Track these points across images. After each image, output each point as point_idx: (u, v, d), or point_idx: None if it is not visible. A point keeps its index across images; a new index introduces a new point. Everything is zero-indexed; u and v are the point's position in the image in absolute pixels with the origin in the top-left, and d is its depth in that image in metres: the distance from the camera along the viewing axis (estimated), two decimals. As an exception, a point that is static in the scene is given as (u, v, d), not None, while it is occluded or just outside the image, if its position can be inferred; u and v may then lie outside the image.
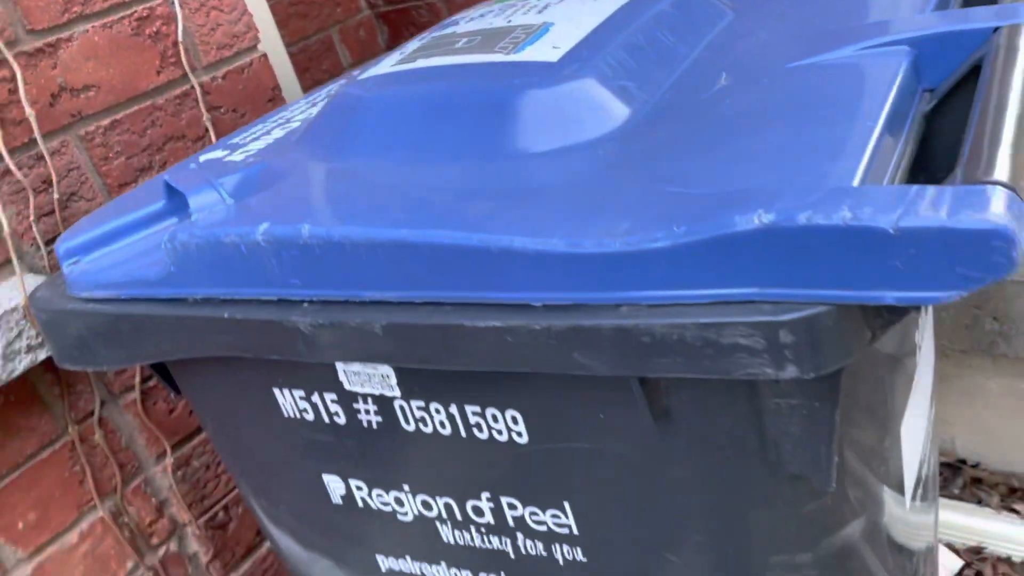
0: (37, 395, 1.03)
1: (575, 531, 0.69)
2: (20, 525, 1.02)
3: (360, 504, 0.80)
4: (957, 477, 1.79)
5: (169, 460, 1.16)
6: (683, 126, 0.65)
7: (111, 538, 1.11)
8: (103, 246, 0.77)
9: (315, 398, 0.74)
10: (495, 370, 0.58)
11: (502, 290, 0.56)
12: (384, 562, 0.83)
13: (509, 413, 0.66)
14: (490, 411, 0.66)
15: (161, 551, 1.17)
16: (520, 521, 0.71)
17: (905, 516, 0.80)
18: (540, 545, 0.72)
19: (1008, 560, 1.62)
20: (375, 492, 0.78)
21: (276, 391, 0.76)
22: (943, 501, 1.73)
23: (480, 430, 0.68)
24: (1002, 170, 0.47)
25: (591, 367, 0.54)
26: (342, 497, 0.81)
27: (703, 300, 0.51)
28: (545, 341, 0.55)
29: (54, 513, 1.05)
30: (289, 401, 0.76)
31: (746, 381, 0.56)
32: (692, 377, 0.53)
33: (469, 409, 0.67)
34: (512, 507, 0.71)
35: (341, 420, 0.74)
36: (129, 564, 1.13)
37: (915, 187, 0.47)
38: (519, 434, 0.66)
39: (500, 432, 0.67)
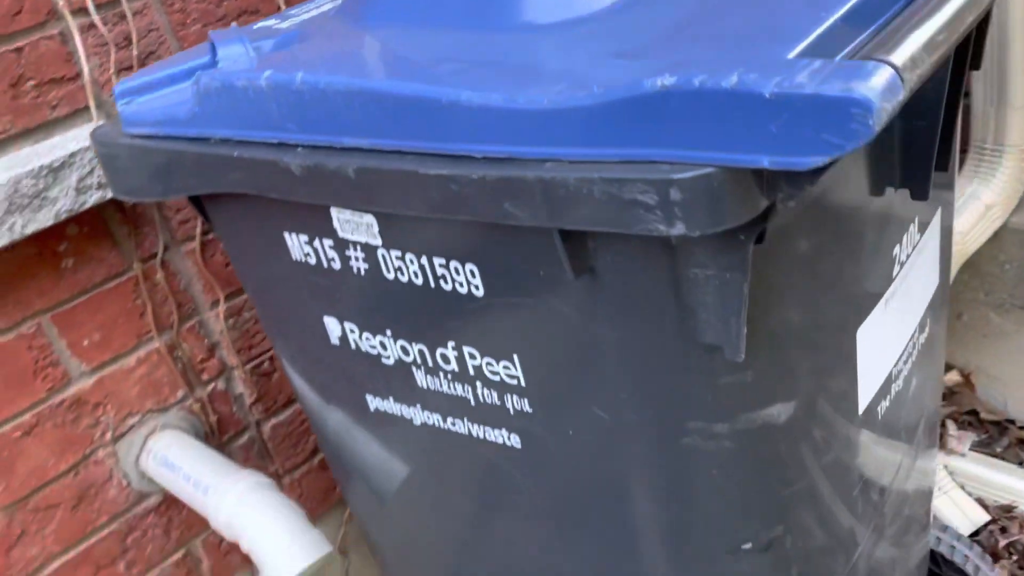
0: (108, 231, 1.16)
1: (522, 383, 0.76)
2: (85, 342, 1.17)
3: (353, 346, 0.89)
4: (1003, 436, 1.75)
5: (222, 307, 1.29)
6: (673, 6, 0.68)
7: (165, 367, 1.25)
8: (152, 90, 0.87)
9: (316, 243, 0.83)
10: (446, 217, 0.65)
11: (450, 141, 0.62)
12: (372, 402, 0.92)
13: (468, 267, 0.72)
14: (453, 264, 0.73)
15: (209, 387, 1.31)
16: (478, 370, 0.79)
17: (854, 427, 0.82)
18: (495, 394, 0.79)
19: (1035, 520, 1.59)
20: (364, 335, 0.86)
21: (286, 234, 0.85)
22: (981, 457, 1.71)
23: (445, 281, 0.75)
24: (900, 54, 0.49)
25: (519, 217, 0.60)
26: (339, 339, 0.89)
27: (613, 158, 0.55)
28: (481, 190, 0.61)
29: (116, 337, 1.19)
30: (296, 245, 0.85)
31: (665, 249, 0.61)
32: (605, 232, 0.58)
33: (436, 261, 0.74)
34: (472, 356, 0.78)
35: (337, 266, 0.83)
36: (180, 393, 1.28)
37: (811, 60, 0.49)
38: (476, 287, 0.73)
39: (461, 284, 0.74)
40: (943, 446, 1.75)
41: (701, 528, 0.76)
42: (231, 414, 1.35)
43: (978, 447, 1.74)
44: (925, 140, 0.75)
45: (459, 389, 0.82)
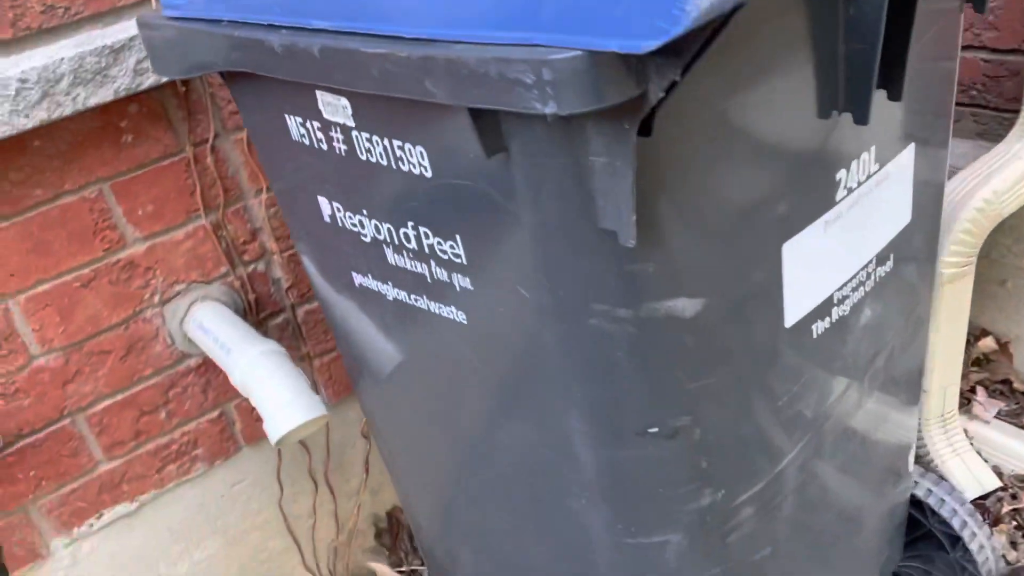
0: (165, 114, 1.30)
1: (464, 261, 0.84)
2: (140, 212, 1.32)
3: (339, 224, 0.99)
4: (1032, 408, 1.72)
5: (264, 196, 1.42)
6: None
7: (210, 244, 1.39)
8: (187, -21, 0.98)
9: (308, 124, 0.93)
10: (387, 94, 0.73)
11: (387, 23, 0.70)
12: (356, 278, 1.02)
13: (419, 148, 0.80)
14: (407, 145, 0.81)
15: (250, 268, 1.45)
16: (432, 249, 0.87)
17: (779, 340, 0.87)
18: (444, 272, 0.88)
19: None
20: (347, 214, 0.96)
21: (286, 116, 0.95)
22: (1005, 426, 1.69)
23: (403, 163, 0.83)
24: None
25: (436, 95, 0.68)
26: (329, 217, 1.00)
27: (505, 41, 0.62)
28: (408, 68, 0.69)
29: (167, 211, 1.34)
30: (294, 126, 0.95)
31: (567, 135, 0.68)
32: (515, 115, 0.65)
33: (395, 143, 0.82)
34: (426, 236, 0.87)
35: (324, 147, 0.92)
36: (222, 269, 1.42)
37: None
38: (426, 168, 0.81)
39: (415, 166, 0.82)
40: (968, 411, 1.74)
41: (612, 408, 0.83)
42: (269, 295, 1.49)
43: (1006, 416, 1.71)
44: (864, 62, 0.78)
45: (418, 267, 0.91)
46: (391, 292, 0.98)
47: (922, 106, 0.96)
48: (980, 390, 1.75)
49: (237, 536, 1.60)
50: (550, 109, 0.60)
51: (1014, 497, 1.60)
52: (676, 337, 0.79)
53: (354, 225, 0.97)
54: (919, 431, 1.67)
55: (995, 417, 1.71)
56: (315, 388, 1.58)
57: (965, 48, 1.68)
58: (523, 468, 0.98)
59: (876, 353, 1.03)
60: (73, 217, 1.27)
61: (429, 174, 0.81)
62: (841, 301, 0.93)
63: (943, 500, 1.41)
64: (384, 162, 0.86)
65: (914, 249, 1.03)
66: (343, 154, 0.90)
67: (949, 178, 1.53)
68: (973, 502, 1.61)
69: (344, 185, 0.94)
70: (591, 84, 0.58)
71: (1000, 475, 1.65)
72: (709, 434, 0.86)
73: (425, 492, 1.27)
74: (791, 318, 0.87)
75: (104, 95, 1.19)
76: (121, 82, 1.19)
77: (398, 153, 0.83)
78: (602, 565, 0.97)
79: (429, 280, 0.91)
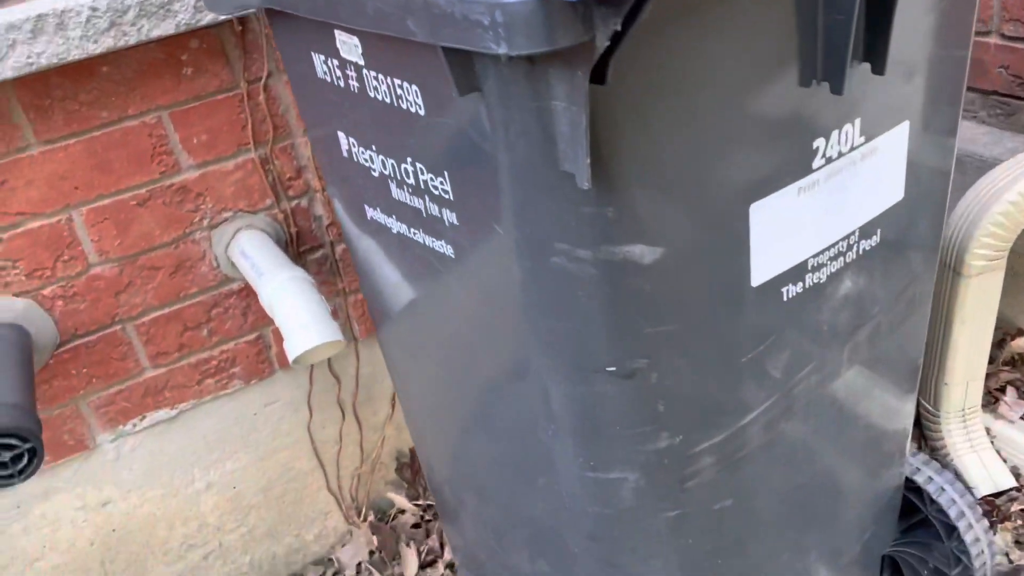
0: (223, 51, 1.40)
1: (451, 197, 0.91)
2: (194, 140, 1.43)
3: (355, 159, 1.06)
4: (1062, 412, 1.69)
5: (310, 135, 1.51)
6: None
7: (258, 177, 1.50)
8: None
9: (329, 62, 1.00)
10: (382, 32, 0.79)
11: (382, -33, 0.77)
12: (368, 211, 1.10)
13: (414, 87, 0.87)
14: (405, 84, 0.88)
15: (294, 203, 1.55)
16: (425, 184, 0.94)
17: (744, 297, 0.90)
18: (436, 207, 0.94)
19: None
20: (360, 149, 1.04)
21: (313, 55, 1.03)
22: (1026, 427, 1.66)
23: (403, 101, 0.90)
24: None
25: (417, 33, 0.74)
26: (346, 152, 1.08)
27: (469, -13, 0.68)
28: (395, 8, 0.75)
29: (219, 142, 1.44)
30: (319, 63, 1.03)
31: (531, 79, 0.73)
32: (486, 56, 0.71)
33: (395, 81, 0.89)
34: (421, 172, 0.94)
35: (342, 84, 1.00)
36: (268, 201, 1.52)
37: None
38: (420, 107, 0.88)
39: (411, 104, 0.89)
40: (994, 410, 1.72)
41: (573, 344, 0.89)
42: (310, 230, 1.59)
43: (1034, 420, 1.69)
44: (841, 33, 0.80)
45: (416, 202, 0.98)
46: (395, 226, 1.05)
47: (923, 86, 0.97)
48: (1011, 390, 1.72)
49: (267, 453, 1.72)
50: (503, 49, 0.66)
51: (1028, 498, 1.58)
52: (634, 282, 0.84)
53: (366, 160, 1.04)
54: (939, 423, 1.66)
55: (1021, 418, 1.68)
56: (348, 323, 1.68)
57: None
58: (504, 402, 1.05)
59: (858, 326, 1.05)
60: (134, 140, 1.38)
61: (423, 112, 0.88)
62: (817, 268, 0.96)
63: (943, 489, 1.42)
64: (388, 100, 0.92)
65: (907, 228, 1.04)
66: (356, 91, 0.98)
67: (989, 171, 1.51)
68: (984, 499, 1.61)
69: (357, 121, 1.01)
70: (539, 28, 0.64)
71: (1018, 476, 1.63)
72: (666, 379, 0.91)
73: (432, 432, 1.35)
74: (758, 278, 0.91)
75: (166, 28, 1.29)
76: (182, 17, 1.29)
77: (398, 91, 0.90)
78: (568, 498, 1.03)
79: (424, 215, 0.98)
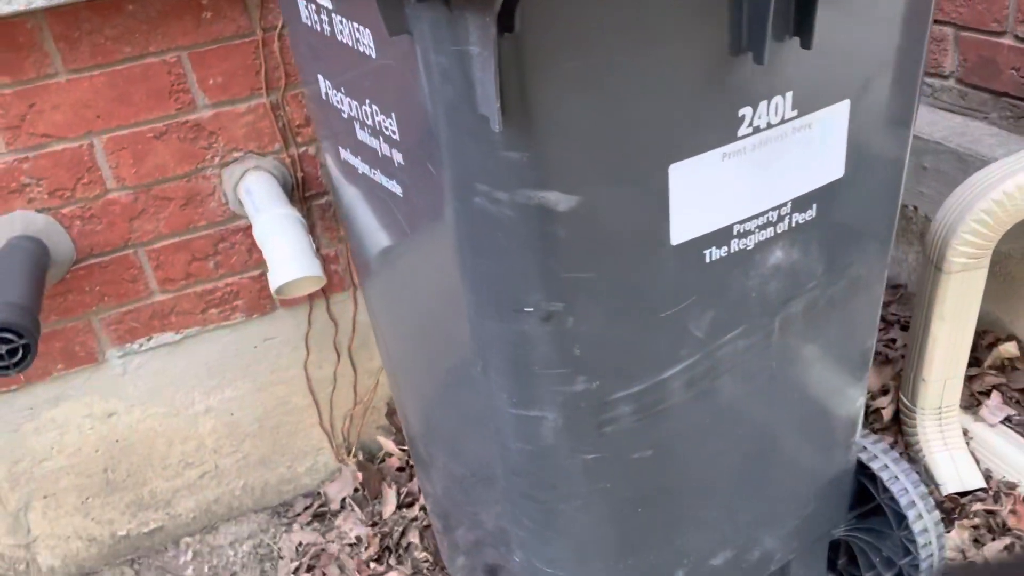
0: (241, -2, 1.49)
1: (398, 137, 0.98)
2: (211, 81, 1.52)
3: (330, 101, 1.14)
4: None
5: (321, 85, 1.59)
6: None
7: (268, 121, 1.59)
8: None
9: (309, 7, 1.08)
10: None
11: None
12: (342, 153, 1.18)
13: (367, 31, 0.94)
14: (361, 27, 0.95)
15: (302, 149, 1.64)
16: (380, 125, 1.01)
17: (662, 254, 0.95)
18: (387, 147, 1.01)
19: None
20: (333, 91, 1.11)
21: (298, 0, 1.11)
22: (1008, 432, 1.67)
23: (360, 44, 0.97)
24: None
25: (353, -23, 0.81)
26: (324, 94, 1.15)
27: (392, -66, 0.74)
28: (337, -47, 0.82)
29: (233, 84, 1.54)
30: (303, 8, 1.10)
31: (451, 25, 0.79)
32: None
33: (354, 24, 0.96)
34: (376, 112, 1.01)
35: (318, 28, 1.07)
36: (276, 145, 1.61)
37: None
38: (372, 49, 0.95)
39: (366, 47, 0.96)
40: (975, 411, 1.72)
41: (495, 283, 0.95)
42: (316, 177, 1.68)
43: (1016, 426, 1.68)
44: (762, 3, 0.84)
45: (373, 142, 1.05)
46: (361, 167, 1.13)
47: (868, 70, 0.99)
48: (995, 394, 1.72)
49: (264, 385, 1.82)
50: (415, -7, 0.72)
51: (995, 500, 1.58)
52: (549, 228, 0.89)
53: (337, 102, 1.11)
54: (914, 419, 1.67)
55: (1001, 422, 1.68)
56: (348, 269, 1.77)
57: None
58: (448, 343, 1.12)
59: (790, 298, 1.08)
60: (154, 76, 1.48)
61: (374, 55, 0.95)
62: (744, 235, 0.99)
63: (896, 477, 1.44)
64: (350, 43, 1.00)
65: (850, 208, 1.07)
66: (328, 35, 1.05)
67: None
68: (949, 496, 1.61)
69: (330, 64, 1.09)
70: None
71: (989, 479, 1.63)
72: (583, 325, 0.96)
73: (404, 384, 1.42)
74: (678, 237, 0.95)
75: (186, -28, 1.38)
76: (201, -37, 1.39)
77: (356, 35, 0.97)
78: (496, 433, 1.09)
79: (379, 155, 1.05)
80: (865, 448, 1.48)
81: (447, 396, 1.23)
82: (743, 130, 0.93)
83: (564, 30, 0.80)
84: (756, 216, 0.99)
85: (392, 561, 1.73)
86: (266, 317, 1.76)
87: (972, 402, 1.73)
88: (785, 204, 1.01)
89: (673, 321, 1.00)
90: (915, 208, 1.87)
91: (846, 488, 1.42)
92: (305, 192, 1.67)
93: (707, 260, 0.99)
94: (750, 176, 0.96)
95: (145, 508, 1.84)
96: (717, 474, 1.18)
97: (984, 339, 1.78)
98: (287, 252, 1.36)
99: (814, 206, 1.04)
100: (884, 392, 1.79)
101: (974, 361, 1.78)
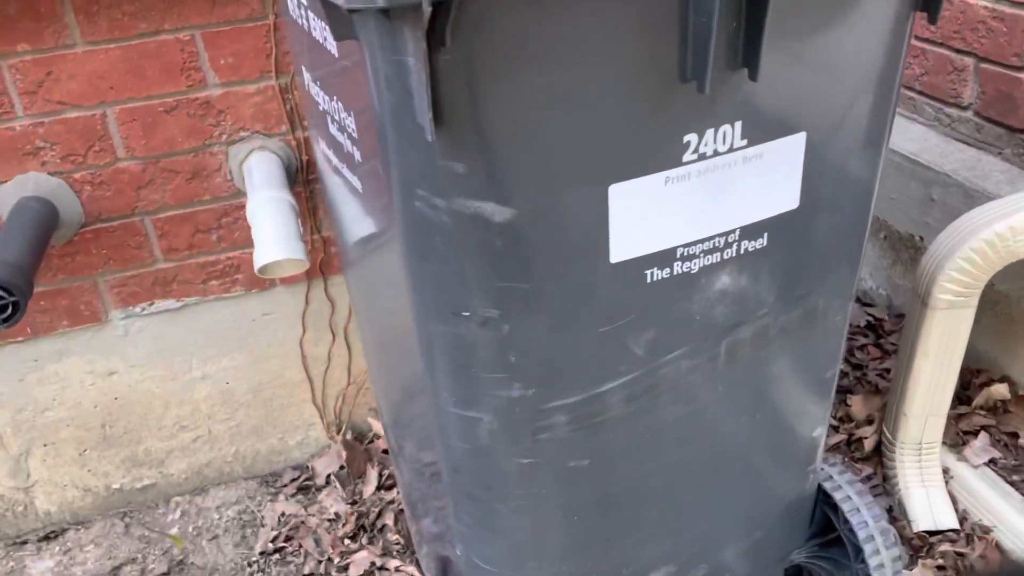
0: (255, -18, 1.53)
1: (356, 135, 1.01)
2: (222, 61, 1.57)
3: (311, 92, 1.17)
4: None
5: (329, 73, 1.63)
6: None
7: (276, 103, 1.63)
8: None
9: (294, 1, 1.11)
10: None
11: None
12: (320, 145, 1.21)
13: (325, 26, 0.96)
14: (326, 27, 0.97)
15: (308, 132, 1.68)
16: (343, 122, 1.04)
17: (601, 273, 0.96)
18: (350, 144, 1.04)
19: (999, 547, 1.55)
20: (311, 83, 1.15)
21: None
22: (989, 474, 1.64)
23: (327, 42, 1.00)
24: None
25: (305, -18, 0.84)
26: (307, 85, 1.19)
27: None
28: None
29: (244, 65, 1.58)
30: (292, 5, 1.14)
31: (389, 35, 0.81)
32: (359, 9, 0.80)
33: (321, 24, 0.99)
34: (340, 110, 1.04)
35: (300, 22, 1.11)
36: (283, 127, 1.66)
37: None
38: (335, 48, 0.98)
39: (331, 45, 0.99)
40: (959, 450, 1.69)
41: (435, 285, 0.97)
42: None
43: (1000, 469, 1.65)
44: (704, 34, 0.85)
45: (340, 137, 1.08)
46: (333, 159, 1.16)
47: (830, 107, 0.99)
48: (983, 435, 1.69)
49: (261, 358, 1.88)
50: (341, 2, 0.75)
51: (967, 542, 1.56)
52: (485, 237, 0.91)
53: (316, 94, 1.15)
54: (893, 453, 1.66)
55: (986, 464, 1.65)
56: (346, 251, 1.81)
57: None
58: (401, 336, 1.15)
59: (738, 324, 1.08)
60: (167, 52, 1.54)
61: (336, 55, 0.98)
62: (688, 258, 1.00)
63: (858, 509, 1.43)
64: (320, 39, 1.03)
65: (805, 239, 1.07)
66: (307, 30, 1.09)
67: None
68: (918, 534, 1.59)
69: (310, 57, 1.12)
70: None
71: (964, 520, 1.61)
72: (518, 333, 0.98)
73: (374, 370, 1.46)
74: (618, 255, 0.96)
75: (200, -44, 1.43)
76: (215, -53, 1.43)
77: (324, 33, 1.00)
78: (439, 429, 1.12)
79: (344, 150, 1.08)
80: (831, 477, 1.47)
81: (406, 390, 1.26)
82: (688, 156, 0.94)
83: (503, 47, 0.82)
84: (701, 241, 1.00)
85: (365, 540, 1.78)
86: (265, 293, 1.81)
87: (958, 440, 1.70)
88: (733, 231, 1.01)
89: (612, 337, 1.02)
90: (921, 238, 1.84)
91: (804, 515, 1.41)
92: (309, 175, 1.72)
93: (648, 280, 1.00)
94: (696, 201, 0.97)
95: (139, 465, 1.91)
96: (659, 489, 1.19)
97: (978, 378, 1.75)
98: (272, 233, 1.40)
99: (765, 235, 1.04)
100: (869, 422, 1.78)
101: (965, 399, 1.75)
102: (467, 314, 0.97)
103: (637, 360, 1.05)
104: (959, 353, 1.52)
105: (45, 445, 1.83)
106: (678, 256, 1.00)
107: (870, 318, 2.04)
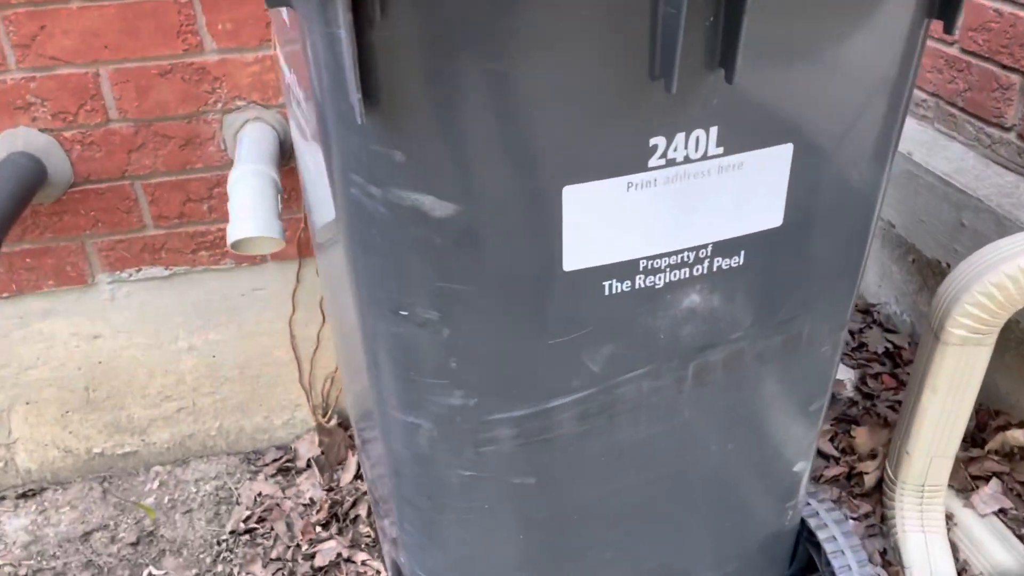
0: (258, -52, 1.48)
1: (309, 115, 0.94)
2: (220, 26, 1.52)
3: (285, 71, 1.11)
4: (1029, 518, 1.53)
5: (330, 46, 1.57)
6: None
7: (274, 74, 1.57)
8: None
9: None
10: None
11: None
12: (293, 123, 1.15)
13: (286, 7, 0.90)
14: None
15: (306, 107, 1.62)
16: (300, 101, 0.98)
17: (553, 281, 0.88)
18: (306, 123, 0.98)
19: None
20: (284, 62, 1.09)
21: (262, -42, 1.08)
22: (996, 524, 1.53)
23: (289, 20, 0.94)
24: None
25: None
26: (282, 63, 1.13)
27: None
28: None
29: (243, 33, 1.53)
30: (264, -32, 1.07)
31: (322, 8, 0.75)
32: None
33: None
34: (298, 88, 0.97)
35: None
36: (281, 100, 1.60)
37: None
38: (287, 18, 0.91)
39: (290, 23, 0.92)
40: (967, 496, 1.58)
41: (376, 280, 0.90)
42: (319, 136, 1.66)
43: (1009, 520, 1.54)
44: (673, 28, 0.76)
45: (299, 114, 1.02)
46: (298, 137, 1.10)
47: (823, 115, 0.89)
48: (994, 482, 1.57)
49: (249, 333, 1.84)
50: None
51: (962, 586, 1.45)
52: (423, 232, 0.84)
53: (283, 67, 1.09)
54: (893, 492, 1.55)
55: (994, 514, 1.54)
56: (340, 232, 1.75)
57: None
58: (351, 328, 1.08)
59: (708, 346, 1.00)
60: (164, 13, 1.49)
61: (288, 26, 0.91)
62: (652, 272, 0.92)
63: (842, 552, 1.34)
64: (285, 18, 0.96)
65: (789, 259, 0.97)
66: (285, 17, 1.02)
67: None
68: (912, 582, 1.49)
69: (276, 26, 1.06)
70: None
71: (963, 572, 1.50)
72: (459, 338, 0.91)
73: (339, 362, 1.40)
74: (572, 263, 0.88)
75: (197, -85, 1.38)
76: (212, -93, 1.38)
77: (289, 12, 0.93)
78: (383, 430, 1.05)
79: (303, 127, 1.02)
80: (817, 513, 1.38)
81: (363, 386, 1.20)
82: (654, 161, 0.85)
83: (448, 27, 0.74)
84: (668, 254, 0.92)
85: (335, 530, 1.73)
86: (256, 267, 1.77)
87: (967, 485, 1.59)
88: (705, 246, 0.93)
89: (564, 350, 0.94)
90: (948, 265, 1.72)
91: (783, 551, 1.32)
92: (305, 150, 1.66)
93: (607, 292, 0.92)
94: (662, 211, 0.88)
95: (122, 431, 1.89)
96: (616, 513, 1.11)
97: (995, 420, 1.63)
98: (249, 209, 1.35)
99: (742, 252, 0.95)
100: (872, 456, 1.67)
101: (980, 441, 1.64)
102: (405, 313, 0.90)
103: (592, 376, 0.97)
104: (971, 393, 1.41)
105: (28, 403, 1.82)
106: (641, 269, 0.91)
107: (889, 345, 1.92)
